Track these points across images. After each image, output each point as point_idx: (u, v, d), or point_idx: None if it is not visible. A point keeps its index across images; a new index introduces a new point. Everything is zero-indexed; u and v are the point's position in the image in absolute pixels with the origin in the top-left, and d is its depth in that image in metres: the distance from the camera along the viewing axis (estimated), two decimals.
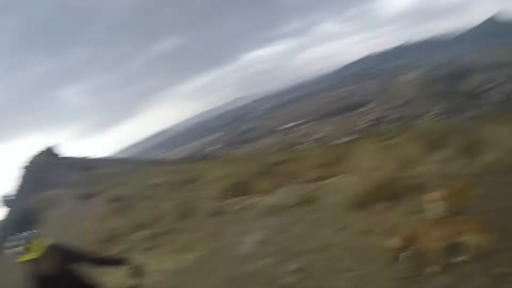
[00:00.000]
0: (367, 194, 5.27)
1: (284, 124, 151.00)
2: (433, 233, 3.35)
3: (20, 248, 2.42)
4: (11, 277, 10.44)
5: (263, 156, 20.32)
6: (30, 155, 49.61)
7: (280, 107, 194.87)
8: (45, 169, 40.84)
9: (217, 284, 4.86)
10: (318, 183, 6.95)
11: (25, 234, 2.53)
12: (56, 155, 45.43)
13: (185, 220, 8.19)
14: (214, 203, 8.74)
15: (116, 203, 13.79)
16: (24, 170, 46.19)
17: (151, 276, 2.97)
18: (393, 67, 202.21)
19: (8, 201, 38.74)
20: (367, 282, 3.66)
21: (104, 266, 3.06)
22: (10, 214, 25.97)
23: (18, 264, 2.53)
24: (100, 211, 13.83)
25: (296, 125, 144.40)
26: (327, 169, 9.15)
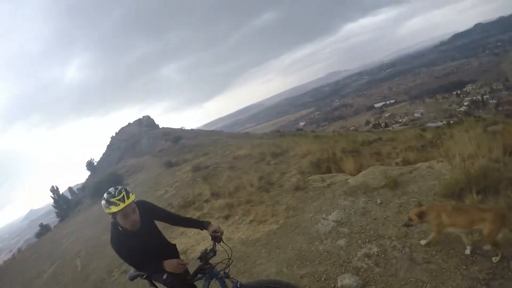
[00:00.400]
0: (460, 183, 4.81)
1: (378, 102, 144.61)
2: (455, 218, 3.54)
3: (113, 199, 2.68)
4: (102, 226, 11.92)
5: (353, 134, 19.67)
6: (124, 125, 55.42)
7: (376, 83, 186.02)
8: (137, 137, 45.29)
9: (284, 258, 4.84)
10: (408, 166, 6.48)
11: (115, 188, 2.78)
12: (150, 125, 49.97)
13: (266, 193, 8.20)
14: (297, 178, 8.61)
15: (200, 171, 14.37)
16: (116, 137, 51.92)
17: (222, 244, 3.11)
18: (509, 39, 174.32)
19: (97, 165, 44.21)
20: (445, 277, 3.46)
21: (185, 226, 3.35)
22: (101, 175, 28.96)
23: (108, 215, 2.80)
24: (184, 177, 14.61)
25: (390, 104, 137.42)
26: (420, 153, 8.53)
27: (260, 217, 6.70)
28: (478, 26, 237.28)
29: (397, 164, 7.69)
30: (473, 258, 3.56)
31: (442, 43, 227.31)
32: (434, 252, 3.83)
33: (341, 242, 4.69)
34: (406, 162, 7.55)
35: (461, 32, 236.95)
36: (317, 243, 4.94)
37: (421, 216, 3.74)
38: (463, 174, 4.99)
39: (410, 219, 3.83)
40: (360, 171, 7.19)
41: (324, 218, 5.59)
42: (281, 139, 24.10)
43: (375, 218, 5.00)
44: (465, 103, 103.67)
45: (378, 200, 5.50)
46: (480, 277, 3.29)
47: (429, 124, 65.42)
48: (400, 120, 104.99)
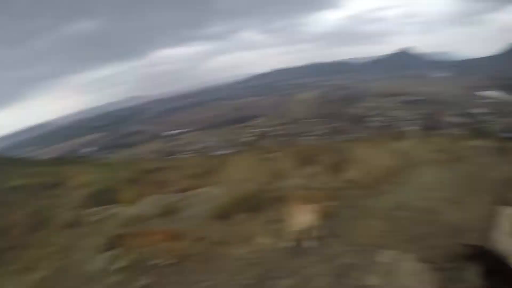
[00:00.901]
0: (230, 205, 5.28)
1: (170, 130, 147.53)
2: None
3: None
4: None
5: (137, 162, 19.45)
6: None
7: (172, 111, 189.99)
8: None
9: None
10: (186, 193, 6.75)
11: None
12: None
13: (36, 232, 7.22)
14: (72, 212, 7.99)
15: None
16: None
17: None
18: (296, 84, 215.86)
19: None
20: None
21: None
22: None
23: None
24: None
25: (181, 133, 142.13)
26: (199, 180, 9.22)
27: (31, 263, 5.93)
28: (274, 71, 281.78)
29: (178, 191, 7.87)
30: None
31: (241, 81, 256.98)
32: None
33: (119, 276, 4.42)
34: (186, 189, 7.82)
35: (259, 74, 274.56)
36: (95, 282, 4.74)
37: None
38: (234, 197, 5.46)
39: None
40: (139, 201, 7.04)
41: (99, 255, 5.14)
42: (62, 167, 21.38)
43: None
44: (254, 134, 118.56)
45: None
46: None
47: (218, 152, 71.61)
48: (192, 148, 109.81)
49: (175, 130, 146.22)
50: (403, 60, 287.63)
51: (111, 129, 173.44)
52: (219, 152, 66.00)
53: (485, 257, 3.37)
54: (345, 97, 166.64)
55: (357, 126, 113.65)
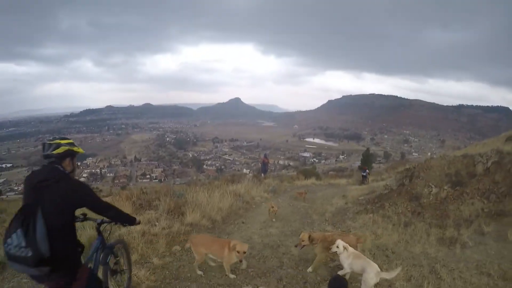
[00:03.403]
0: None
1: None
2: None
3: None
4: None
5: None
6: None
7: None
8: None
9: None
10: None
11: None
12: None
13: None
14: None
15: None
16: None
17: None
18: (131, 124, 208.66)
19: None
20: None
21: None
22: None
23: None
24: None
25: (6, 168, 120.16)
26: None
27: None
28: (109, 108, 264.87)
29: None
30: None
31: (72, 115, 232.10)
32: None
33: None
34: None
35: (92, 109, 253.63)
36: None
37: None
38: None
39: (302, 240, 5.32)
40: None
41: None
42: None
43: None
44: (84, 175, 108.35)
45: None
46: None
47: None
48: (16, 188, 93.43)
49: None
50: (235, 109, 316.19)
51: None
52: None
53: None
54: (181, 140, 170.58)
55: (193, 169, 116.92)
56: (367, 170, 22.23)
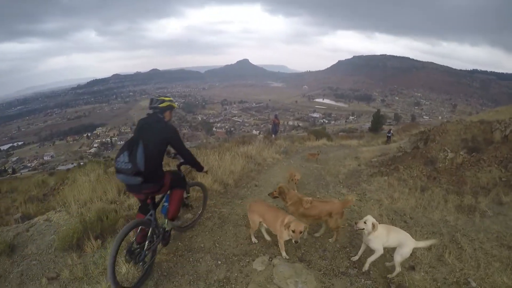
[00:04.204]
0: (77, 232, 4.48)
1: (5, 144, 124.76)
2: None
3: None
4: None
5: None
6: None
7: (3, 121, 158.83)
8: None
9: None
10: (26, 223, 5.43)
11: None
12: None
13: None
14: None
15: None
16: None
17: None
18: (139, 91, 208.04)
19: None
20: None
21: None
22: None
23: None
24: None
25: (18, 146, 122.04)
26: (41, 204, 7.84)
27: None
28: (116, 76, 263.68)
29: (16, 221, 6.37)
30: None
31: (79, 86, 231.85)
32: None
33: None
34: (26, 218, 6.42)
35: (99, 79, 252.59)
36: None
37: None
38: (79, 223, 4.73)
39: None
40: None
41: None
42: None
43: None
44: (95, 145, 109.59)
45: None
46: None
47: (60, 167, 63.21)
48: (29, 165, 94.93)
49: (8, 143, 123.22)
50: (243, 70, 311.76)
51: None
52: (63, 167, 58.22)
53: None
54: (190, 104, 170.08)
55: (203, 132, 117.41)
56: (391, 131, 23.58)
